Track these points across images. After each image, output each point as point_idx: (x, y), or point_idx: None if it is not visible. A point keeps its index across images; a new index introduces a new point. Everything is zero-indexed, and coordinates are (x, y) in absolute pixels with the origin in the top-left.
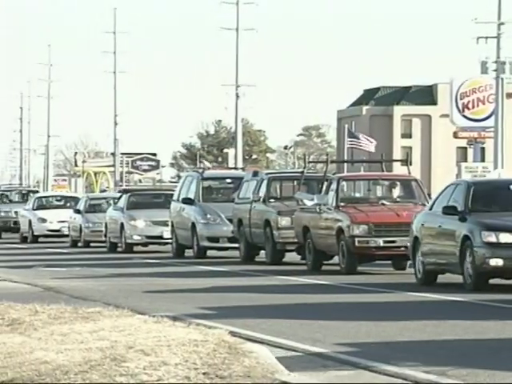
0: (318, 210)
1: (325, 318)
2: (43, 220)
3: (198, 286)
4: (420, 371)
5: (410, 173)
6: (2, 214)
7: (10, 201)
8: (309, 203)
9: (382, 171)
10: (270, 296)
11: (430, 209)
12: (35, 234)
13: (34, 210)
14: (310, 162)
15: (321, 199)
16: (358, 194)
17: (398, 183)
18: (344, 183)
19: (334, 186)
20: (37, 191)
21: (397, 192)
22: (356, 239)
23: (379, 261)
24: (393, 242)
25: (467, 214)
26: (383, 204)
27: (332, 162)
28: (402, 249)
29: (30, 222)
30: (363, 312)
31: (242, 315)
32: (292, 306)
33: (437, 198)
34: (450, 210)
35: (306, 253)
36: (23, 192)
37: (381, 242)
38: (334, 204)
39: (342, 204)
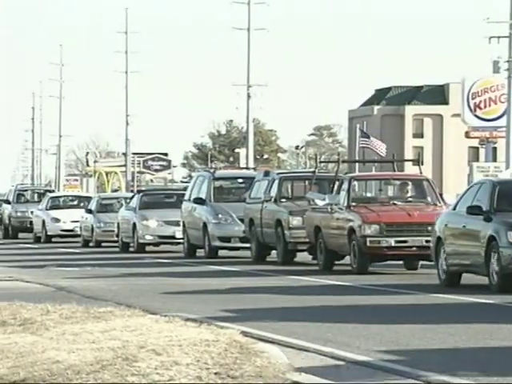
0: (329, 209)
1: (358, 322)
2: (57, 220)
3: (209, 286)
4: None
5: (421, 172)
6: (19, 214)
7: (27, 201)
8: (320, 203)
9: (394, 171)
10: (289, 297)
11: (454, 209)
12: (49, 233)
13: (47, 209)
14: (321, 162)
15: (332, 199)
16: (369, 194)
17: (410, 183)
18: (355, 183)
19: (345, 186)
20: (53, 191)
21: (408, 192)
22: (367, 239)
23: (391, 261)
24: (404, 241)
25: (492, 214)
26: (395, 204)
27: (343, 161)
28: (414, 249)
29: (43, 221)
30: (394, 314)
31: (254, 315)
32: (316, 308)
33: (460, 197)
34: (474, 210)
35: (317, 253)
36: (40, 192)
37: (392, 241)
38: (345, 204)
39: (354, 204)
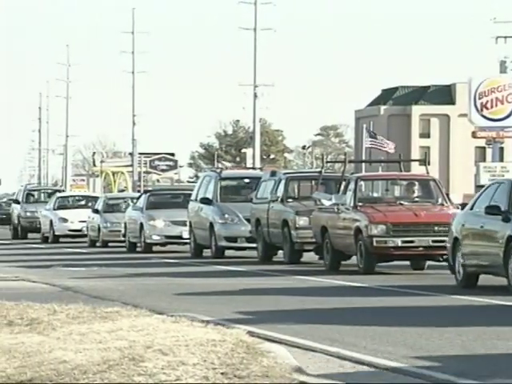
0: (336, 209)
1: (378, 324)
2: (64, 220)
3: (216, 286)
4: None
5: (428, 172)
6: (28, 214)
7: (36, 200)
8: (327, 203)
9: (400, 171)
10: (296, 298)
11: (471, 209)
12: (56, 233)
13: (55, 209)
14: (327, 162)
15: (339, 199)
16: (376, 194)
17: (416, 183)
18: (362, 183)
19: (352, 186)
20: (63, 190)
21: (415, 192)
22: (374, 239)
23: (397, 261)
24: (411, 242)
25: (511, 214)
26: (401, 204)
27: (350, 161)
28: (421, 249)
29: (51, 221)
30: (412, 316)
31: (260, 315)
32: (323, 309)
33: (477, 197)
34: (492, 210)
35: (323, 253)
36: (49, 192)
37: (399, 241)
38: (352, 204)
39: (360, 204)
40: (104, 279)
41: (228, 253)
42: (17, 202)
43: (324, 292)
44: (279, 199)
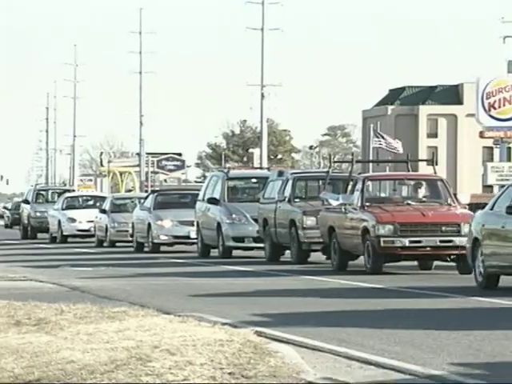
0: (343, 209)
1: (396, 327)
2: (72, 220)
3: (223, 286)
4: None
5: (435, 172)
6: (38, 214)
7: (46, 200)
8: (334, 203)
9: (408, 171)
10: (304, 297)
11: (491, 209)
12: (64, 233)
13: (63, 209)
14: (335, 162)
15: (346, 199)
16: (383, 194)
17: (424, 183)
18: (369, 183)
19: (359, 186)
20: (73, 190)
21: (422, 192)
22: (381, 239)
23: (405, 261)
24: (418, 242)
25: None
26: (409, 204)
27: (357, 161)
28: (428, 249)
29: (59, 221)
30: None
31: (268, 315)
32: (332, 308)
33: (498, 197)
34: None
35: (331, 253)
36: (59, 192)
37: (406, 242)
38: (359, 204)
39: (368, 204)
40: (111, 279)
41: (235, 253)
42: (26, 202)
43: (331, 292)
44: (286, 199)
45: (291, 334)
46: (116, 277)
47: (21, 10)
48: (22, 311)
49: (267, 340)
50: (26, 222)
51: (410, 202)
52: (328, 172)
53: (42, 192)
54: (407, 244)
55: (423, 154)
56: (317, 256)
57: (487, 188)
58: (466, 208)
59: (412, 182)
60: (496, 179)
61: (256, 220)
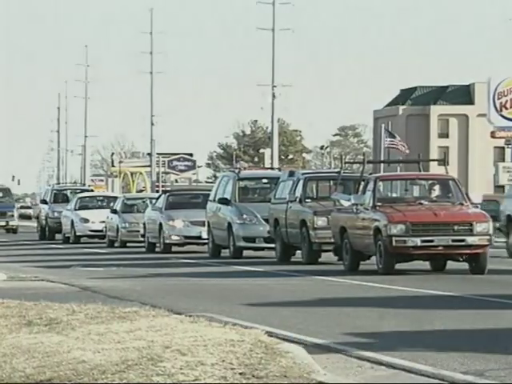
0: (354, 210)
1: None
2: (85, 220)
3: (234, 287)
4: None
5: (447, 172)
6: (56, 214)
7: (64, 200)
8: (346, 203)
9: (420, 171)
10: (315, 298)
11: None
12: (77, 234)
13: (76, 210)
14: (346, 163)
15: (358, 199)
16: (395, 194)
17: (436, 183)
18: (381, 183)
19: (371, 186)
20: (91, 190)
21: (434, 192)
22: (393, 239)
23: (417, 260)
24: (431, 241)
25: None
26: (421, 203)
27: (369, 162)
28: (440, 248)
29: (72, 222)
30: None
31: (279, 315)
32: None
33: None
34: None
35: (343, 253)
36: (77, 191)
37: (418, 241)
38: (371, 204)
39: (379, 204)
40: (122, 279)
41: (246, 253)
42: (44, 202)
43: (343, 292)
44: (297, 199)
45: (301, 333)
46: (127, 277)
47: (32, 10)
48: (34, 311)
49: (278, 340)
50: (43, 222)
51: (421, 201)
52: (339, 172)
53: (59, 192)
54: (419, 243)
55: (434, 154)
56: (327, 256)
57: (499, 188)
58: (477, 207)
59: (424, 182)
60: (508, 179)
61: (267, 220)
